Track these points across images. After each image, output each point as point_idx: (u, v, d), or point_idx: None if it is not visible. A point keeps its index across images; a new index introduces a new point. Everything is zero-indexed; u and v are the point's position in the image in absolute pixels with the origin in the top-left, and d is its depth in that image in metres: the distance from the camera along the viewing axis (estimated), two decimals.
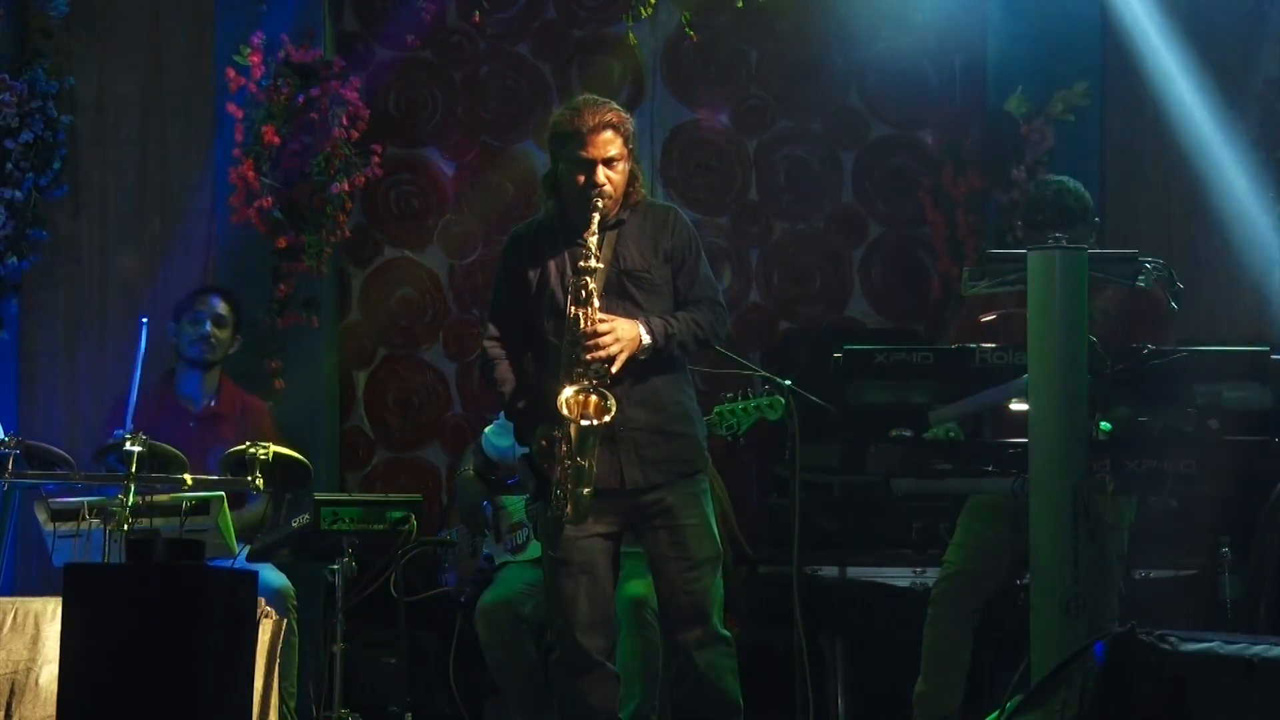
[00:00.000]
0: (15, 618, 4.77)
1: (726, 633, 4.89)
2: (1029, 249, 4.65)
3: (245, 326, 6.64)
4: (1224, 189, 6.72)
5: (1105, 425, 4.73)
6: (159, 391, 6.47)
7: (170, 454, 5.51)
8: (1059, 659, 3.96)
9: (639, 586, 5.59)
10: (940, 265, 7.05)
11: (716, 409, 5.67)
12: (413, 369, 7.44)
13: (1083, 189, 5.42)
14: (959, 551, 5.39)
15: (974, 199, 6.93)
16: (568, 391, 4.67)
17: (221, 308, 6.45)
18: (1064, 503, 4.35)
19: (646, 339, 4.75)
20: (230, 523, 5.61)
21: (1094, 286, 4.58)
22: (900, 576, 6.01)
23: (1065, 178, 5.50)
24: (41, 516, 5.41)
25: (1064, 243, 5.01)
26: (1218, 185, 6.72)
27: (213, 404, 6.41)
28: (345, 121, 7.13)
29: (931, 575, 5.71)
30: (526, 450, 4.90)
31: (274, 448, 5.45)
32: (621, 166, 4.80)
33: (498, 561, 6.18)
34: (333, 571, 5.69)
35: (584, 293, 4.72)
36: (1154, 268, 4.72)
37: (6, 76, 7.09)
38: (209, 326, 6.40)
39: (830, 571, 5.97)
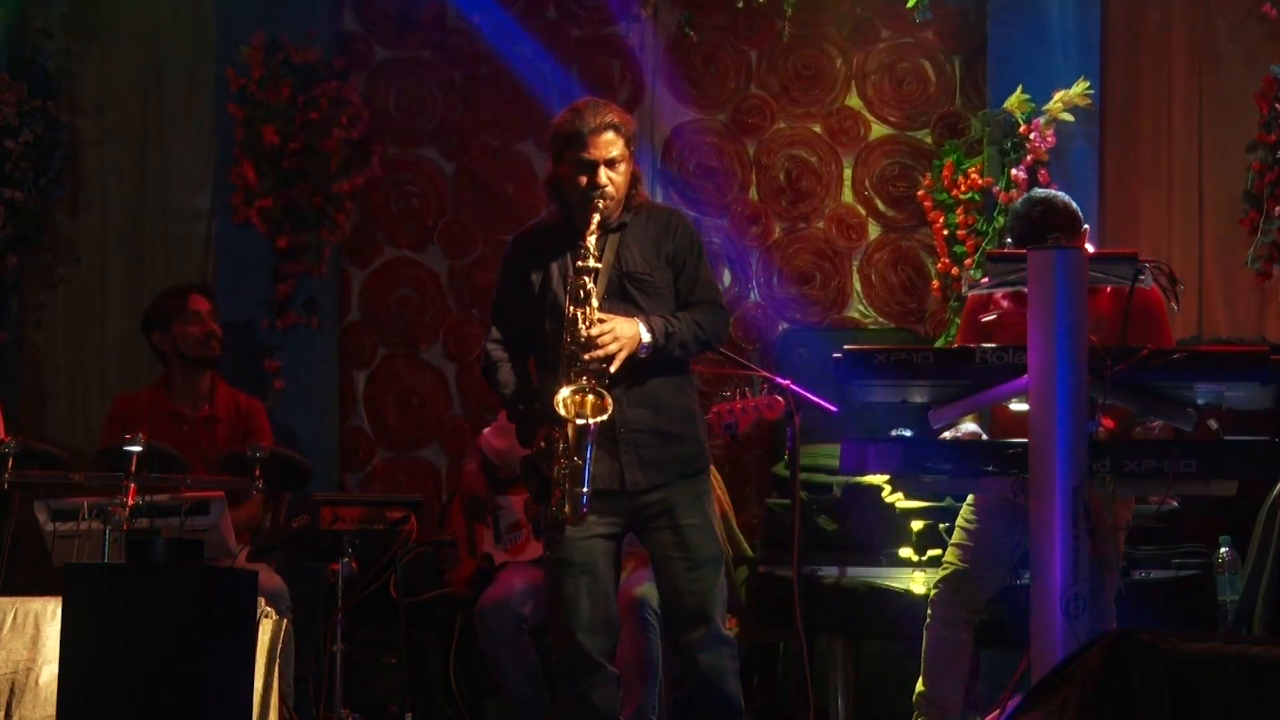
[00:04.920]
0: (15, 618, 4.77)
1: (729, 633, 4.89)
2: (1030, 249, 4.64)
3: (242, 326, 6.63)
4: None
5: None
6: (152, 398, 6.45)
7: (171, 455, 5.50)
8: (1059, 659, 3.96)
9: (639, 587, 5.59)
10: (940, 265, 7.05)
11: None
12: (413, 369, 7.43)
13: (1069, 201, 5.36)
14: (959, 551, 5.38)
15: (974, 199, 6.93)
16: (564, 391, 4.66)
17: (212, 301, 6.40)
18: (1064, 503, 4.35)
19: (646, 337, 4.74)
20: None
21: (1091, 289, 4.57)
22: (900, 577, 6.00)
23: (1043, 192, 5.45)
24: (41, 516, 5.41)
25: None
26: None
27: (207, 406, 6.39)
28: (345, 121, 7.14)
29: (932, 575, 5.71)
30: (528, 452, 4.89)
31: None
32: (623, 168, 4.80)
33: (498, 561, 6.18)
34: (333, 572, 5.69)
35: (582, 292, 4.71)
36: (1154, 268, 4.72)
37: (7, 76, 7.10)
38: (212, 323, 6.37)
39: (830, 572, 5.96)
